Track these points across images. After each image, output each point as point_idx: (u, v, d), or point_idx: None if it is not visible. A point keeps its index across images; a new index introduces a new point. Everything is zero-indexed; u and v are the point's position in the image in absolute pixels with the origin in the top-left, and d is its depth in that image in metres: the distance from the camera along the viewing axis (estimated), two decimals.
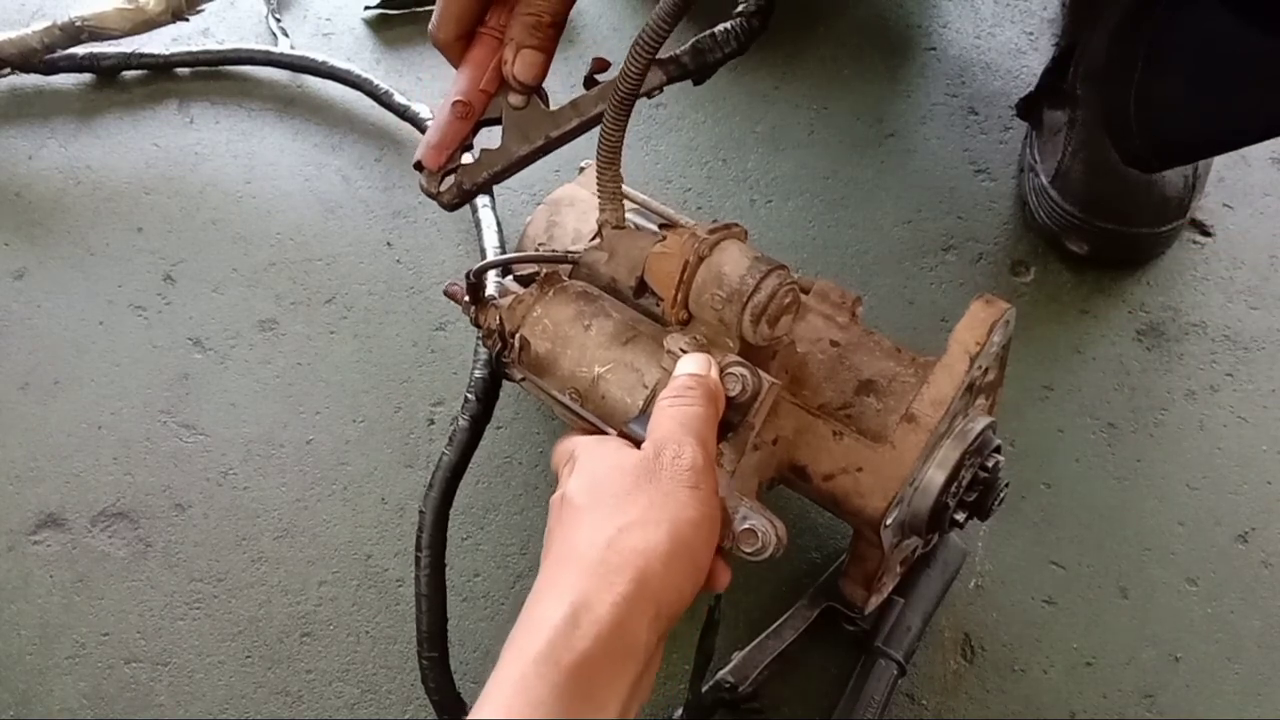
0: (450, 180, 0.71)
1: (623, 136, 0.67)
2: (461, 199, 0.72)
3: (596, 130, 0.68)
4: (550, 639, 0.51)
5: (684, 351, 0.63)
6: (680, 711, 0.77)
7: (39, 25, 1.09)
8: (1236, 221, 1.06)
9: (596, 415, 0.67)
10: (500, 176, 0.72)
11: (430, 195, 0.72)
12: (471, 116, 0.70)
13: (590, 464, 0.60)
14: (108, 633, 0.84)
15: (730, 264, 0.64)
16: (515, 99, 0.69)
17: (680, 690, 0.80)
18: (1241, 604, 0.86)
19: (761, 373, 0.62)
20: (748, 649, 0.79)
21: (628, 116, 0.66)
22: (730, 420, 0.62)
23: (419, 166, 0.70)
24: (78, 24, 1.07)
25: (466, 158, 0.71)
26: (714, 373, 0.62)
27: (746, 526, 0.59)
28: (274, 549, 0.88)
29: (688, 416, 0.59)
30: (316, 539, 0.89)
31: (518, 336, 0.70)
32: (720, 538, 0.59)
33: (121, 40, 1.16)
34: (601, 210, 0.71)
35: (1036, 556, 0.88)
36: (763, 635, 0.80)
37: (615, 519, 0.55)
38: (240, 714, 0.81)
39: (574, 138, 0.71)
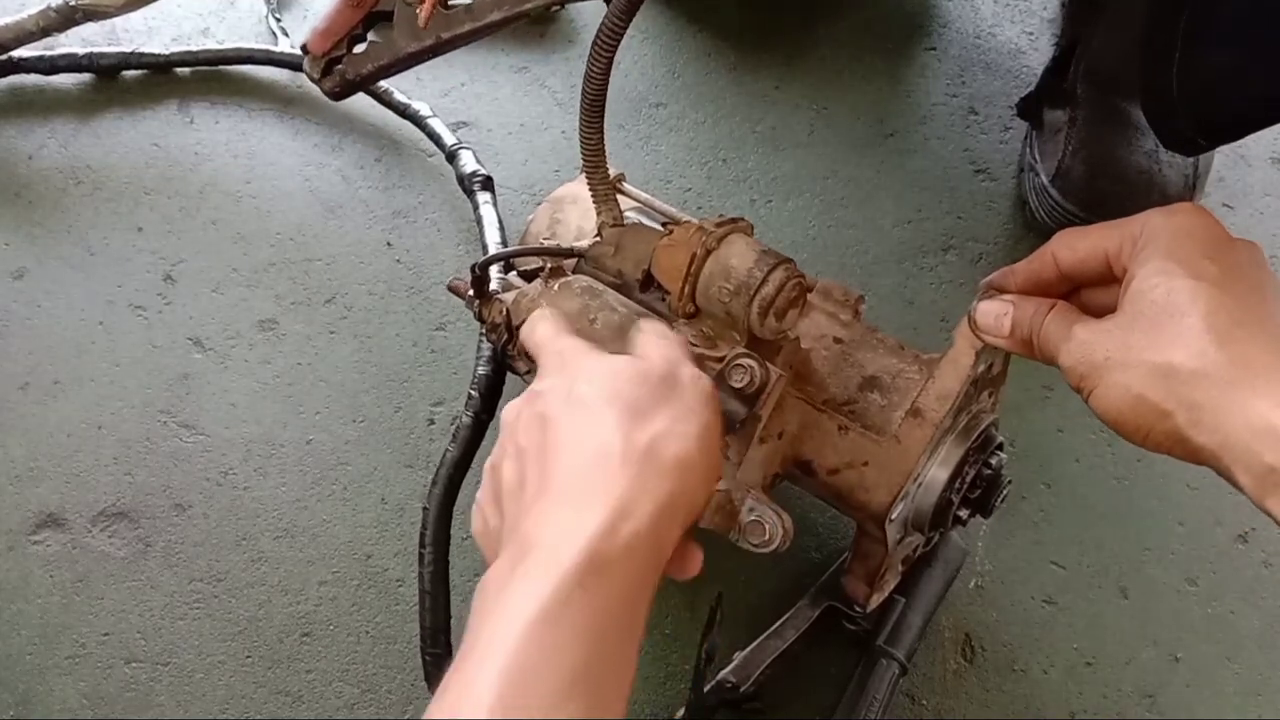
0: (336, 69, 0.72)
1: (601, 139, 0.67)
2: (344, 88, 0.72)
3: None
4: (588, 548, 0.46)
5: (692, 344, 0.63)
6: (682, 711, 0.77)
7: (34, 10, 1.08)
8: (1236, 221, 1.06)
9: None
10: (386, 71, 0.72)
11: (313, 81, 0.72)
12: (364, 6, 0.69)
13: (598, 365, 0.57)
14: (108, 633, 0.84)
15: (738, 257, 0.64)
16: None
17: (682, 690, 0.80)
18: (1241, 604, 0.86)
19: (769, 364, 0.62)
20: (749, 649, 0.79)
21: (601, 118, 0.66)
22: (736, 412, 0.62)
23: (304, 49, 0.70)
24: (72, 4, 1.06)
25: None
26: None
27: (754, 518, 0.59)
28: (274, 549, 0.88)
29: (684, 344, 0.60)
30: (316, 539, 0.88)
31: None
32: (725, 530, 0.59)
33: (121, 39, 1.16)
34: (599, 214, 0.71)
35: (1036, 556, 0.88)
36: (764, 635, 0.80)
37: (650, 423, 0.53)
38: (240, 714, 0.81)
39: (466, 42, 0.70)
